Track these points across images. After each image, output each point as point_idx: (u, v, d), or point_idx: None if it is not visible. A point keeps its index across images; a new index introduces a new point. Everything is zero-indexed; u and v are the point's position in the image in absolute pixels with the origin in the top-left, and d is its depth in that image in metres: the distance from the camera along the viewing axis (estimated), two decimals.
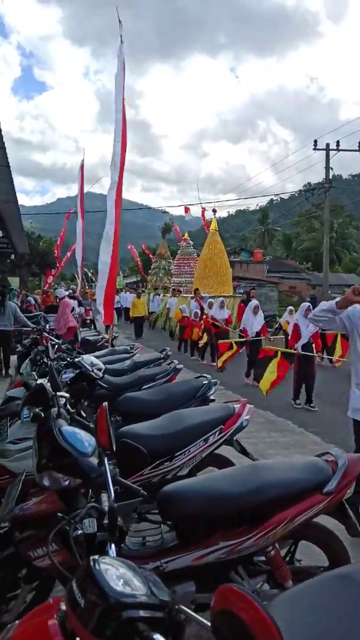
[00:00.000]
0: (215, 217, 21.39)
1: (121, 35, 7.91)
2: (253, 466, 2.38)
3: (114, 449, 1.91)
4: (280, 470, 2.29)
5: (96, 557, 1.12)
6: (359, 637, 1.21)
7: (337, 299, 3.63)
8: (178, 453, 3.16)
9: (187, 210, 26.10)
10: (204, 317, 12.94)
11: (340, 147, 22.86)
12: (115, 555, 1.32)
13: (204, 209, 24.93)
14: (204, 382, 4.29)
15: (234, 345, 10.18)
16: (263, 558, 2.31)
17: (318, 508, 2.22)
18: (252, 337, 10.46)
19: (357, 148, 22.81)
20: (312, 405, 8.06)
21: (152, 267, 29.31)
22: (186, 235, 25.45)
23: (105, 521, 1.50)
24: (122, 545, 2.18)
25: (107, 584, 1.02)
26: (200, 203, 29.17)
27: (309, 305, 8.42)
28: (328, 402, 8.40)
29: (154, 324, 22.34)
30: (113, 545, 1.36)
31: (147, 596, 1.04)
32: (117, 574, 1.07)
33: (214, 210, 21.59)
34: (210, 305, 13.05)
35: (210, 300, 13.75)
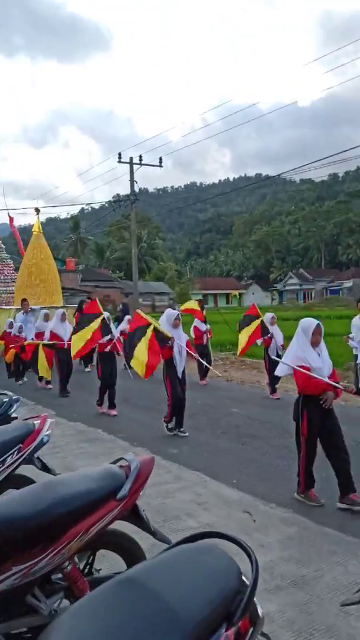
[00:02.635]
0: (38, 217, 18.83)
1: None
2: (47, 483, 2.33)
3: None
4: (74, 482, 2.28)
5: None
6: (138, 638, 1.26)
7: None
8: None
9: None
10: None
11: (142, 162, 24.02)
12: None
13: (11, 217, 22.43)
14: (4, 400, 4.09)
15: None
16: (60, 575, 2.28)
17: (112, 515, 2.26)
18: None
19: (158, 163, 24.28)
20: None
21: None
22: None
23: None
24: None
25: None
26: (8, 209, 27.37)
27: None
28: (135, 407, 8.72)
29: None
30: None
31: None
32: None
33: (37, 210, 18.80)
34: (47, 318, 11.04)
35: (45, 311, 11.61)
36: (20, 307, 12.99)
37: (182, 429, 6.86)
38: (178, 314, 7.20)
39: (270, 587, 3.13)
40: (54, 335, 9.97)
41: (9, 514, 2.10)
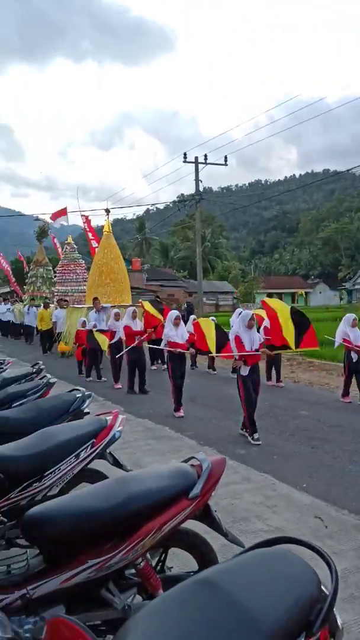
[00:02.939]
0: (108, 217, 18.81)
1: None
2: (120, 478, 2.36)
3: None
4: (147, 479, 2.30)
5: None
6: None
7: None
8: (48, 472, 3.03)
9: (64, 212, 22.98)
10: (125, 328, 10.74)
11: (207, 161, 24.00)
12: None
13: (87, 218, 22.65)
14: (77, 396, 4.19)
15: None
16: (134, 570, 2.30)
17: (185, 514, 2.26)
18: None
19: (223, 162, 24.17)
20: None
21: (28, 275, 26.64)
22: (70, 239, 22.89)
23: None
24: None
25: None
26: (80, 211, 27.98)
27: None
28: (202, 406, 8.71)
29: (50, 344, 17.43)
30: None
31: None
32: None
33: (107, 210, 18.81)
34: (117, 317, 11.26)
35: (117, 310, 11.88)
36: (92, 305, 13.19)
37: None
38: (253, 315, 6.97)
39: (344, 595, 3.01)
40: (128, 329, 10.23)
41: (85, 507, 2.15)
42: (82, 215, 22.34)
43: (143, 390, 9.99)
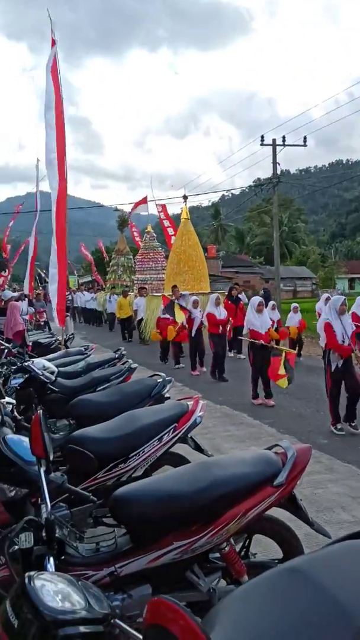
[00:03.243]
0: (186, 203, 18.47)
1: (53, 34, 7.87)
2: (204, 463, 2.37)
3: (51, 457, 1.85)
4: (230, 465, 2.29)
5: (32, 573, 1.07)
6: (305, 632, 1.20)
7: None
8: (132, 454, 3.12)
9: (144, 201, 22.95)
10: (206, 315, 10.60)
11: (286, 143, 23.28)
12: (54, 569, 1.27)
13: (163, 205, 22.71)
14: (158, 381, 4.27)
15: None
16: (218, 555, 2.31)
17: (269, 501, 2.23)
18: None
19: (303, 143, 23.35)
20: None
21: (110, 264, 27.09)
22: (149, 228, 22.66)
23: (44, 534, 1.45)
24: (76, 552, 2.13)
25: (42, 602, 0.97)
26: (155, 200, 28.25)
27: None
28: (283, 393, 8.55)
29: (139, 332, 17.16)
30: (52, 559, 1.32)
31: (86, 610, 1.00)
32: (54, 589, 1.03)
33: (185, 197, 18.51)
34: (196, 304, 11.05)
35: (196, 298, 11.64)
36: (171, 293, 13.07)
37: (353, 423, 6.15)
38: (344, 299, 6.48)
39: None
40: (212, 317, 10.03)
41: (170, 490, 2.18)
42: (157, 204, 22.46)
43: (222, 378, 9.87)
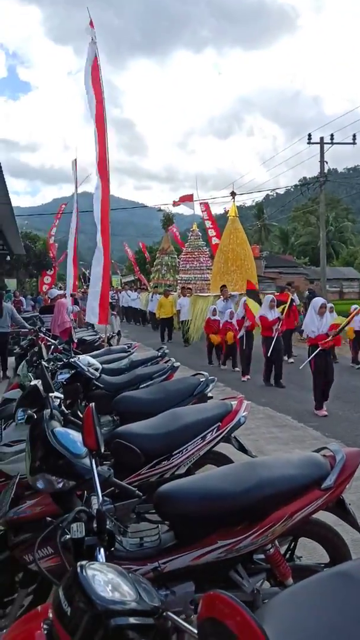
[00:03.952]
0: (234, 201, 17.73)
1: (93, 36, 7.97)
2: (249, 463, 2.35)
3: (102, 450, 1.87)
4: (276, 466, 2.26)
5: (84, 562, 1.08)
6: (356, 637, 1.17)
7: None
8: (175, 452, 3.12)
9: (189, 198, 21.59)
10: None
11: (334, 141, 22.77)
12: (104, 560, 1.28)
13: (206, 205, 22.42)
14: (201, 380, 4.26)
15: None
16: (262, 556, 2.28)
17: (317, 504, 2.19)
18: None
19: (352, 141, 22.78)
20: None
21: (154, 263, 26.73)
22: (194, 227, 22.00)
23: (94, 525, 1.46)
24: (120, 546, 2.15)
25: (94, 591, 0.98)
26: (200, 200, 28.18)
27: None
28: (330, 397, 8.36)
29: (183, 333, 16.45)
30: (102, 550, 1.33)
31: (137, 602, 1.00)
32: (105, 579, 1.03)
33: (233, 194, 17.64)
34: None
35: (245, 299, 11.07)
36: (218, 294, 12.69)
37: None
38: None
39: None
40: (264, 320, 9.48)
41: (215, 489, 2.17)
42: (200, 204, 22.36)
43: (279, 384, 9.19)
